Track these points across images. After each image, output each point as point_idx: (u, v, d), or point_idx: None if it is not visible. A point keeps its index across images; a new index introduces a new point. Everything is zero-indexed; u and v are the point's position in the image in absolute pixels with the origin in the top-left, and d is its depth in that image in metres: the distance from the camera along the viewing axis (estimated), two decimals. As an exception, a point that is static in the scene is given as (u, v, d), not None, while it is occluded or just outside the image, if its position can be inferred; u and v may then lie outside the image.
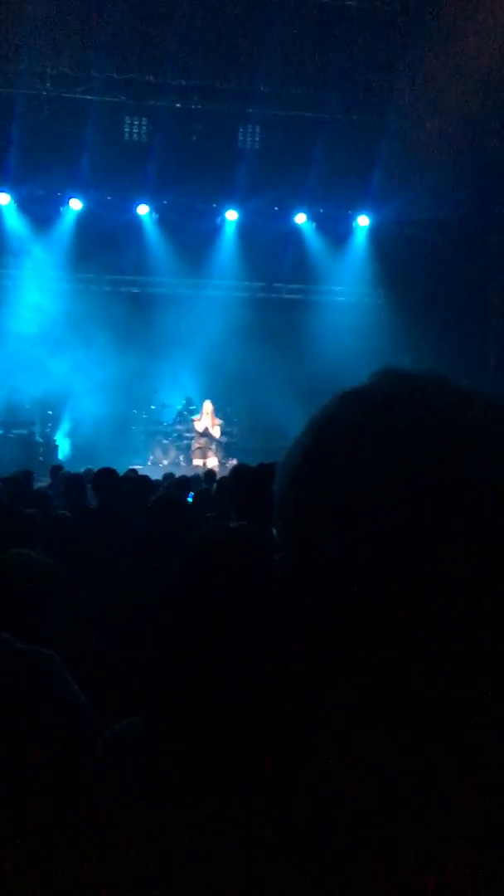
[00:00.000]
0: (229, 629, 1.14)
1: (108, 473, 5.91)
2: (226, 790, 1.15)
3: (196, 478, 9.32)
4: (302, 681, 0.66)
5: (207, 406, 15.70)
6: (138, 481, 6.75)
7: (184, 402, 16.69)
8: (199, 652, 1.17)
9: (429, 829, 0.58)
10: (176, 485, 7.59)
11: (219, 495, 6.05)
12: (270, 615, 0.70)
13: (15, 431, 14.82)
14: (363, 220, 17.49)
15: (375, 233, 17.51)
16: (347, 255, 17.81)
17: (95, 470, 9.26)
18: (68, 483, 7.06)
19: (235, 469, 4.34)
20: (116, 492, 5.93)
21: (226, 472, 11.12)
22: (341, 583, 0.60)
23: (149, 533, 3.72)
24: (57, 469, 9.69)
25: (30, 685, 1.28)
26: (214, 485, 7.47)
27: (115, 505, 5.69)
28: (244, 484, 3.07)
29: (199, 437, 15.53)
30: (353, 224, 17.63)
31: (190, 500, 7.49)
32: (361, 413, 0.65)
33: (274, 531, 0.69)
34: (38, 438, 15.19)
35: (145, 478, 7.16)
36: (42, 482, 11.89)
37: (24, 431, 15.00)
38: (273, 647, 0.96)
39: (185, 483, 7.75)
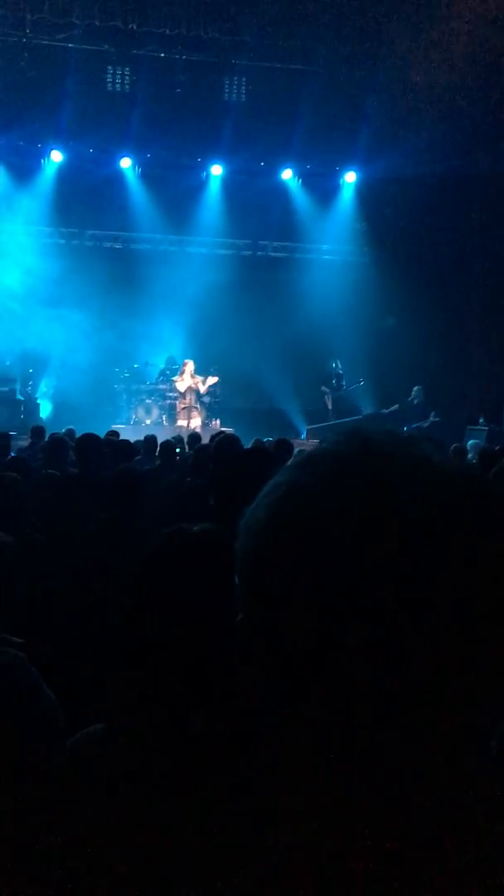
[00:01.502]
0: (184, 646, 1.13)
1: (90, 439, 5.86)
2: (186, 796, 1.15)
3: (178, 439, 9.27)
4: (255, 718, 0.68)
5: (189, 365, 15.59)
6: (119, 446, 6.72)
7: (166, 360, 16.57)
8: (153, 664, 1.16)
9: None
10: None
11: (197, 460, 6.02)
12: (229, 646, 0.71)
13: (-5, 389, 14.69)
14: (350, 177, 17.25)
15: (362, 190, 17.30)
16: (334, 212, 17.61)
17: (75, 430, 9.28)
18: (50, 446, 7.00)
19: (216, 447, 4.31)
20: (99, 457, 5.90)
21: (210, 432, 11.14)
22: (300, 644, 0.61)
23: (109, 508, 3.72)
24: (38, 430, 9.60)
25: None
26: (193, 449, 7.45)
27: (98, 470, 5.67)
28: (220, 470, 3.07)
29: (182, 398, 15.45)
30: (341, 181, 17.39)
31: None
32: (325, 478, 0.64)
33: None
34: (20, 396, 15.06)
35: (125, 442, 7.12)
36: (23, 441, 11.85)
37: (4, 389, 14.86)
38: (230, 693, 0.96)
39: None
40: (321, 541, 0.61)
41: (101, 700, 1.38)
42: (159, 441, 7.86)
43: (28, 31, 14.17)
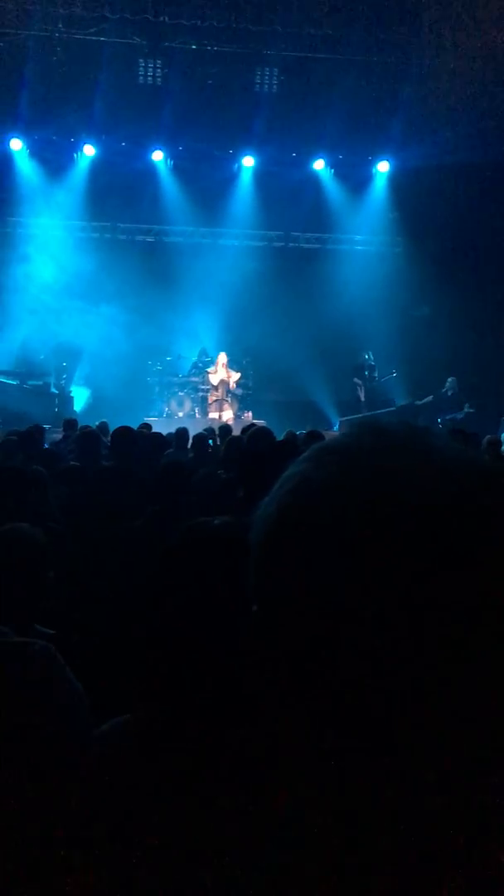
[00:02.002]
0: (204, 637, 1.14)
1: (124, 432, 5.90)
2: (214, 788, 1.16)
3: (210, 431, 9.29)
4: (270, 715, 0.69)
5: (222, 358, 15.60)
6: (152, 439, 6.76)
7: (198, 353, 16.60)
8: (175, 653, 1.17)
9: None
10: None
11: (228, 453, 6.03)
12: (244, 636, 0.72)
13: (30, 383, 14.83)
14: (383, 166, 17.10)
15: (395, 179, 17.14)
16: (366, 202, 17.48)
17: (108, 422, 9.35)
18: (83, 439, 7.06)
19: (248, 440, 4.32)
20: (134, 450, 5.94)
21: (242, 425, 11.15)
22: (313, 639, 0.61)
23: (155, 500, 3.73)
24: (71, 423, 9.68)
25: (26, 683, 1.28)
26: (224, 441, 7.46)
27: (132, 463, 5.72)
28: (248, 463, 3.07)
29: (214, 390, 15.48)
30: (373, 170, 17.25)
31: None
32: (337, 470, 0.63)
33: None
34: (54, 390, 15.20)
35: (158, 435, 7.16)
36: (58, 434, 11.97)
37: (39, 383, 15.00)
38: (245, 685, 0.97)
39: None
40: (330, 533, 0.60)
41: (127, 691, 1.39)
42: (191, 434, 7.89)
43: (60, 25, 14.24)
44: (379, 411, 15.07)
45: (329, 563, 0.60)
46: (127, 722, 1.26)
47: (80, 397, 16.08)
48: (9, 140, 15.84)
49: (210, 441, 8.04)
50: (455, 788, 0.60)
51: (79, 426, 9.20)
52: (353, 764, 0.62)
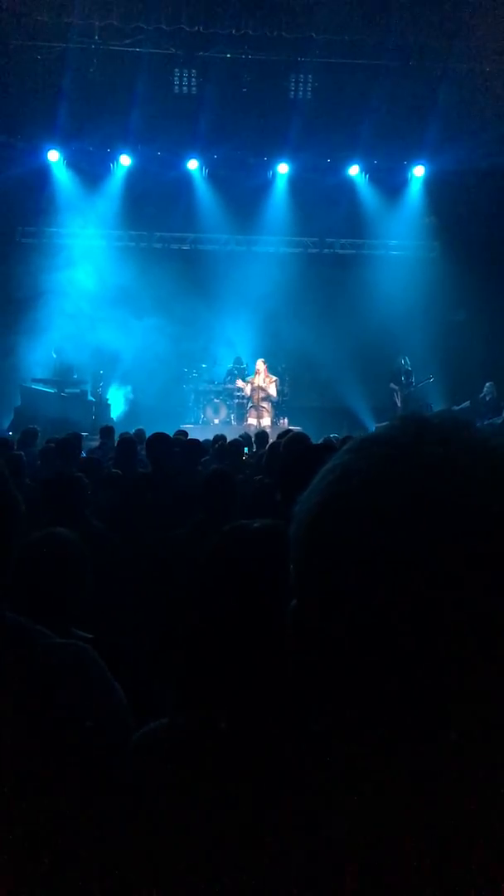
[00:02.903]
0: (245, 638, 1.13)
1: (161, 438, 5.93)
2: (253, 794, 1.15)
3: (246, 438, 9.29)
4: (313, 718, 0.68)
5: (260, 364, 15.61)
6: (189, 445, 6.78)
7: (234, 360, 16.64)
8: (216, 657, 1.16)
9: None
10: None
11: (270, 459, 6.02)
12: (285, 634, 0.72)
13: (68, 390, 14.99)
14: (419, 171, 17.01)
15: (431, 183, 17.04)
16: (402, 207, 17.40)
17: (145, 430, 9.42)
18: (120, 446, 7.12)
19: (286, 444, 4.30)
20: (169, 457, 5.97)
21: (278, 431, 11.15)
22: (356, 632, 0.60)
23: (201, 508, 3.73)
24: (108, 430, 9.76)
25: (64, 684, 1.28)
26: (266, 447, 7.45)
27: (168, 470, 5.74)
28: (285, 467, 3.05)
29: (253, 396, 15.49)
30: (409, 175, 17.17)
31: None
32: (376, 464, 0.62)
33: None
34: (91, 398, 15.34)
35: (195, 441, 7.18)
36: (94, 441, 12.08)
37: (76, 390, 15.15)
38: (286, 683, 0.96)
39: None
40: (374, 524, 0.60)
41: (164, 696, 1.39)
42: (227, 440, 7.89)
43: (97, 37, 14.42)
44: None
45: (374, 555, 0.59)
46: (168, 726, 1.25)
47: (116, 405, 16.22)
48: (46, 151, 16.07)
49: (245, 448, 8.04)
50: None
51: (116, 434, 9.27)
52: (399, 760, 0.61)
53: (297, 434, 4.99)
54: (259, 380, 15.44)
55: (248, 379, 15.74)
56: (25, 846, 1.23)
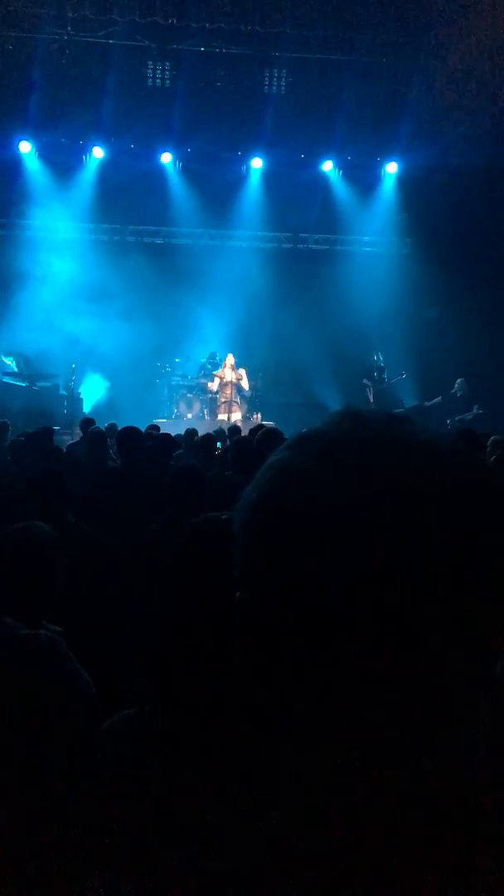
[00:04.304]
0: (209, 630, 1.14)
1: (131, 432, 5.91)
2: (221, 781, 1.16)
3: (220, 433, 9.29)
4: (264, 702, 0.69)
5: (230, 359, 15.61)
6: (161, 439, 6.77)
7: (208, 355, 16.62)
8: (182, 648, 1.18)
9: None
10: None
11: (236, 454, 6.03)
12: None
13: (39, 384, 14.87)
14: (392, 167, 17.09)
15: (404, 180, 17.13)
16: (375, 203, 17.48)
17: (116, 424, 9.37)
18: (91, 440, 7.08)
19: (259, 439, 4.32)
20: (140, 451, 5.95)
21: (251, 426, 11.15)
22: (295, 622, 0.62)
23: (169, 503, 3.73)
24: (88, 423, 9.65)
25: (33, 674, 1.28)
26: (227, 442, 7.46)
27: (139, 464, 5.72)
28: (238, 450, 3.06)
29: (223, 391, 15.48)
30: (382, 171, 17.24)
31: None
32: (317, 457, 0.64)
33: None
34: (63, 391, 15.24)
35: (167, 436, 7.16)
36: (67, 435, 11.99)
37: (48, 384, 15.04)
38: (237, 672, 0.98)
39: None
40: (310, 520, 0.61)
41: (133, 685, 1.40)
42: (200, 435, 7.88)
43: (69, 28, 14.29)
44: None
45: (307, 550, 0.61)
46: (135, 715, 1.26)
47: (88, 399, 16.13)
48: (18, 142, 15.90)
49: (219, 443, 8.03)
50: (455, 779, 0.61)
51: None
52: (345, 753, 0.62)
53: (270, 430, 5.01)
54: (228, 374, 15.43)
55: (216, 373, 15.72)
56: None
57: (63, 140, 16.01)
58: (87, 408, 15.61)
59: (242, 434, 8.15)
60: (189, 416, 15.61)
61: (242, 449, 5.16)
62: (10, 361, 14.96)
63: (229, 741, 1.16)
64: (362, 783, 0.62)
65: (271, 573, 0.63)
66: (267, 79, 15.56)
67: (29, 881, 1.23)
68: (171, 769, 1.21)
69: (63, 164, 16.31)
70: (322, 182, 17.14)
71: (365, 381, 16.52)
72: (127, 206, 16.78)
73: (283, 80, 15.57)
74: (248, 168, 16.91)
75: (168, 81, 15.39)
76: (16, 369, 14.92)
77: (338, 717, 0.61)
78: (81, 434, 9.60)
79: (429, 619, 0.58)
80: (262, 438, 4.34)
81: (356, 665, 0.59)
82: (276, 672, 0.64)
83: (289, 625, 0.62)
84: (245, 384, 15.50)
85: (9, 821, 1.20)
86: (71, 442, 9.86)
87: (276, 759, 0.68)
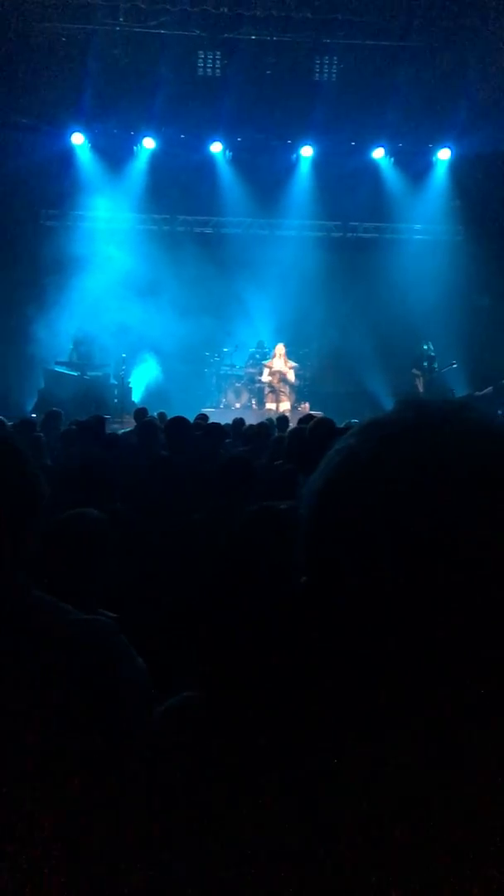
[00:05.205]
0: (266, 615, 1.16)
1: (180, 422, 5.96)
2: (279, 769, 1.17)
3: (270, 422, 9.30)
4: (328, 692, 0.70)
5: (280, 349, 15.59)
6: (210, 429, 6.81)
7: (256, 344, 16.63)
8: (237, 634, 1.19)
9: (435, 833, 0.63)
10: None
11: (291, 444, 6.03)
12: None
13: (90, 373, 15.06)
14: (444, 154, 16.83)
15: (456, 167, 16.87)
16: (426, 190, 17.24)
17: (165, 413, 9.45)
18: (142, 429, 7.15)
19: (311, 429, 4.31)
20: (189, 440, 6.00)
21: (299, 416, 11.14)
22: (359, 608, 0.63)
23: (218, 493, 3.76)
24: (142, 413, 9.73)
25: (91, 658, 1.32)
26: (286, 432, 7.46)
27: (188, 453, 5.77)
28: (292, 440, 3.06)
29: (272, 381, 15.49)
30: (434, 158, 16.99)
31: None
32: (381, 446, 0.66)
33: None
34: (113, 381, 15.40)
35: (216, 425, 7.20)
36: (117, 424, 12.12)
37: (98, 373, 15.22)
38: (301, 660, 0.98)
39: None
40: (379, 502, 0.62)
41: (186, 671, 1.42)
42: (248, 424, 7.90)
43: (122, 19, 14.37)
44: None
45: (373, 534, 0.62)
46: (189, 700, 1.29)
47: (138, 388, 16.27)
48: (71, 134, 16.07)
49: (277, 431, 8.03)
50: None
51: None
52: (402, 735, 0.63)
53: (323, 419, 5.01)
54: (278, 364, 15.43)
55: (266, 362, 15.72)
56: (50, 815, 1.27)
57: (115, 131, 16.13)
58: (136, 396, 15.76)
59: (291, 424, 8.16)
60: (237, 405, 15.65)
61: (296, 439, 5.17)
62: (76, 339, 15.20)
63: (288, 727, 1.17)
64: (436, 772, 0.62)
65: (339, 557, 0.64)
66: (318, 66, 15.43)
67: (84, 869, 1.26)
68: (226, 756, 1.23)
69: (114, 154, 16.44)
70: (372, 169, 16.96)
71: (414, 370, 16.35)
72: (177, 195, 16.85)
73: (334, 67, 15.42)
74: (298, 156, 16.82)
75: (218, 71, 15.37)
76: (75, 359, 15.16)
77: (411, 701, 0.62)
78: (136, 423, 9.68)
79: (496, 602, 0.59)
80: (315, 428, 4.34)
81: (425, 645, 0.60)
82: (344, 654, 0.65)
83: (356, 607, 0.63)
84: (292, 377, 15.48)
85: (65, 807, 1.24)
86: (122, 430, 9.96)
87: (343, 745, 0.69)
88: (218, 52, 15.20)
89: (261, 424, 7.59)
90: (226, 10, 14.03)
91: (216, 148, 16.57)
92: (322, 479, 0.69)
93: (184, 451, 5.77)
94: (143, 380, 16.49)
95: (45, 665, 1.27)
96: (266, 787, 1.18)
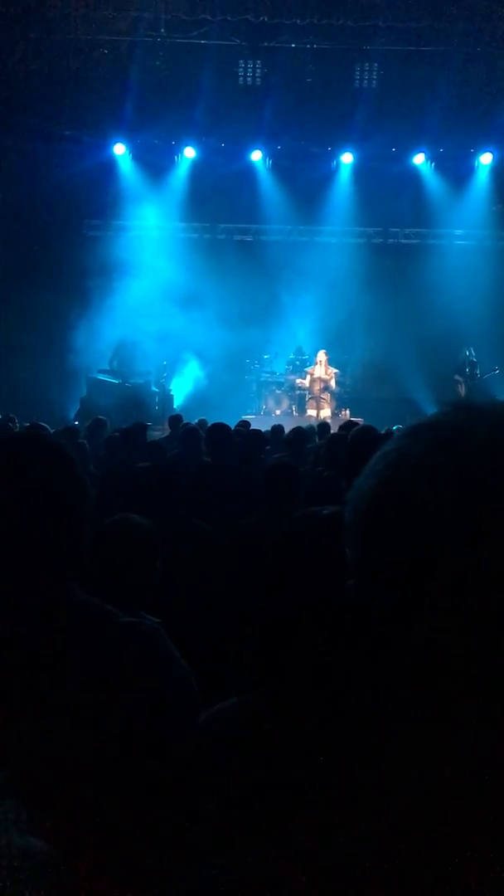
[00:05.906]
0: (316, 620, 1.16)
1: (220, 429, 5.98)
2: (327, 770, 1.17)
3: (311, 429, 9.29)
4: (374, 699, 0.69)
5: (321, 356, 15.57)
6: (250, 436, 6.82)
7: (295, 351, 16.62)
8: (287, 639, 1.19)
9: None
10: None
11: (332, 450, 6.02)
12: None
13: (132, 381, 15.19)
14: (486, 158, 16.67)
15: (499, 171, 16.70)
16: (468, 195, 17.08)
17: (206, 420, 9.49)
18: (186, 436, 7.20)
19: (354, 435, 4.30)
20: (230, 447, 6.02)
21: (339, 422, 11.10)
22: (408, 613, 0.62)
23: (265, 499, 3.76)
24: (177, 420, 9.83)
25: (135, 661, 1.33)
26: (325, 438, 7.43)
27: (228, 460, 5.79)
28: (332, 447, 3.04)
29: (313, 387, 15.46)
30: (475, 162, 16.84)
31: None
32: (432, 448, 0.65)
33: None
34: (154, 388, 15.52)
35: (257, 432, 7.21)
36: (158, 431, 12.21)
37: (140, 381, 15.35)
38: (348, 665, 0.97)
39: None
40: (430, 506, 0.61)
41: (233, 677, 1.42)
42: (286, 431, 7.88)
43: (163, 30, 14.52)
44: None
45: (430, 535, 0.61)
46: (237, 705, 1.29)
47: (179, 395, 16.37)
48: (113, 145, 16.27)
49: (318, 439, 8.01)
50: None
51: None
52: (457, 745, 0.62)
53: (366, 425, 5.00)
54: (319, 371, 15.40)
55: (308, 369, 15.70)
56: (96, 816, 1.29)
57: (156, 141, 16.29)
58: (177, 403, 15.87)
59: (332, 431, 8.13)
60: (277, 412, 15.65)
61: (338, 446, 5.16)
62: (119, 346, 15.39)
63: (336, 730, 1.17)
64: (486, 772, 0.61)
65: (388, 560, 0.64)
66: (358, 73, 15.41)
67: (131, 869, 1.27)
68: (274, 759, 1.23)
69: (156, 164, 16.60)
70: (413, 175, 16.87)
71: (456, 376, 16.19)
72: (218, 204, 16.95)
73: (374, 73, 15.39)
74: (339, 163, 16.81)
75: (259, 79, 15.44)
76: (116, 366, 15.32)
77: (461, 705, 0.61)
78: (171, 431, 9.78)
79: None
80: (357, 435, 4.32)
81: (477, 649, 0.59)
82: (394, 658, 0.64)
83: (406, 610, 0.62)
84: (333, 384, 15.44)
85: (111, 808, 1.25)
86: (161, 437, 10.04)
87: (392, 745, 0.69)
88: (258, 61, 15.27)
89: (299, 430, 7.57)
90: (266, 18, 14.10)
91: (256, 156, 16.63)
92: (371, 481, 0.68)
93: (224, 457, 5.79)
94: (184, 387, 16.58)
95: (90, 666, 1.28)
96: (324, 791, 1.18)
